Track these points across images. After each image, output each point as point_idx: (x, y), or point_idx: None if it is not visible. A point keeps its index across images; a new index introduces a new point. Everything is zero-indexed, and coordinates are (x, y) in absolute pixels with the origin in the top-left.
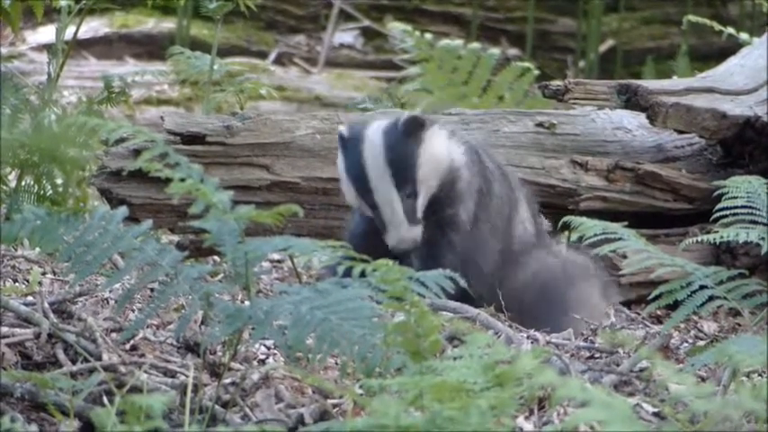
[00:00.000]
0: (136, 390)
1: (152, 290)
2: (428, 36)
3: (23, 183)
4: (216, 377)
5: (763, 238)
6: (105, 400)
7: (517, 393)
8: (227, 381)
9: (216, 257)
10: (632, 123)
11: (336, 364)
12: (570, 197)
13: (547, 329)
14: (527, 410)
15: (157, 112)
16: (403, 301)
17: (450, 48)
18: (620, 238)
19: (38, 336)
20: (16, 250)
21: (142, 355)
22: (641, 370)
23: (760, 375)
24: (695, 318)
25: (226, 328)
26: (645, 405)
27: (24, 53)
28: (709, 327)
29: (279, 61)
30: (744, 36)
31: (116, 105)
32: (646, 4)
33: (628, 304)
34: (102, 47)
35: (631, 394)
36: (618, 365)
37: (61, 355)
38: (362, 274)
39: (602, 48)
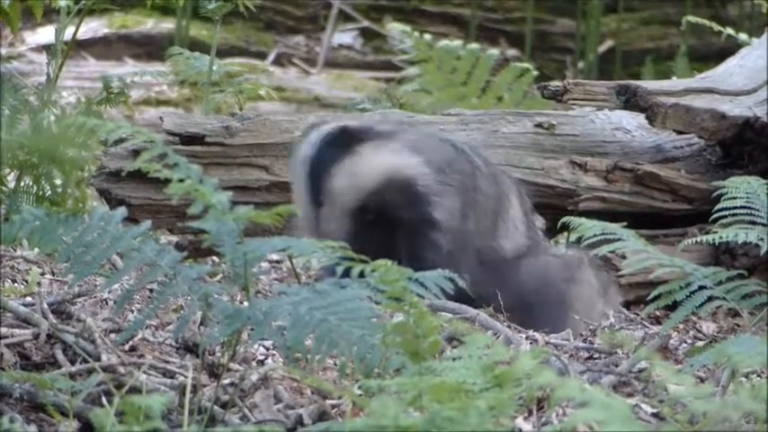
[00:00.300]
0: (135, 390)
1: (151, 290)
2: (427, 37)
3: (22, 183)
4: (215, 378)
5: (762, 239)
6: (104, 400)
7: (516, 394)
8: (226, 381)
9: (215, 258)
10: (631, 124)
11: (335, 364)
12: (569, 198)
13: (546, 330)
14: (526, 411)
15: (156, 113)
16: (402, 301)
17: (449, 48)
18: (619, 239)
19: (37, 336)
20: (15, 251)
21: (141, 356)
22: (640, 370)
23: (759, 376)
24: (694, 318)
25: (225, 328)
26: (644, 405)
27: (23, 54)
28: (708, 327)
29: (278, 62)
30: (743, 37)
31: (115, 106)
32: (645, 4)
33: (627, 305)
34: (102, 47)
35: (630, 395)
36: (617, 366)
37: (60, 356)
38: (361, 275)
39: (602, 48)
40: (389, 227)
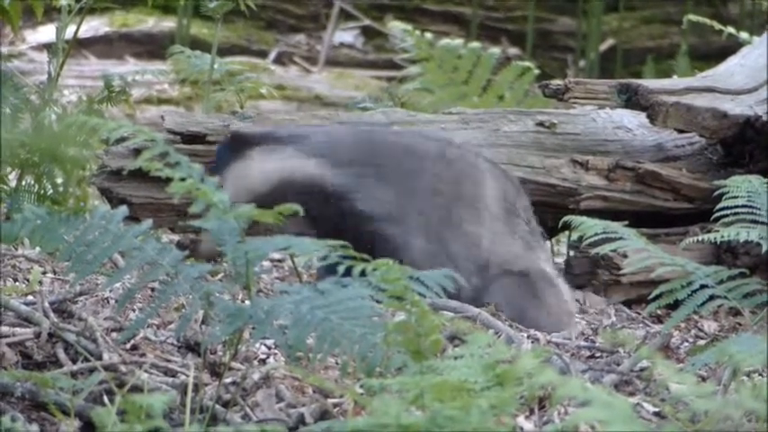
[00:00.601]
0: (136, 389)
1: (152, 289)
2: (428, 35)
3: (24, 182)
4: (216, 377)
5: (763, 238)
6: (106, 399)
7: (518, 393)
8: (228, 380)
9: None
10: (633, 123)
11: (337, 363)
12: (571, 196)
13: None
14: (527, 410)
15: (158, 112)
16: (403, 300)
17: (450, 47)
18: (620, 238)
19: (38, 335)
20: (16, 249)
21: (143, 355)
22: (642, 369)
23: (760, 375)
24: (696, 317)
25: (226, 327)
26: (645, 404)
27: (24, 52)
28: (710, 326)
29: (279, 60)
30: (744, 35)
31: (116, 105)
32: (646, 3)
33: (628, 304)
34: (103, 46)
35: (632, 394)
36: (618, 365)
37: (62, 355)
38: (363, 274)
39: (603, 47)
40: (320, 225)
